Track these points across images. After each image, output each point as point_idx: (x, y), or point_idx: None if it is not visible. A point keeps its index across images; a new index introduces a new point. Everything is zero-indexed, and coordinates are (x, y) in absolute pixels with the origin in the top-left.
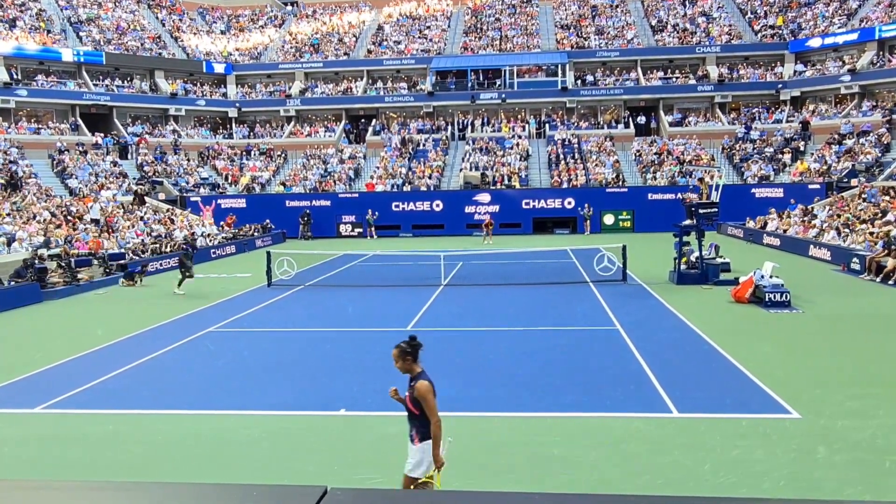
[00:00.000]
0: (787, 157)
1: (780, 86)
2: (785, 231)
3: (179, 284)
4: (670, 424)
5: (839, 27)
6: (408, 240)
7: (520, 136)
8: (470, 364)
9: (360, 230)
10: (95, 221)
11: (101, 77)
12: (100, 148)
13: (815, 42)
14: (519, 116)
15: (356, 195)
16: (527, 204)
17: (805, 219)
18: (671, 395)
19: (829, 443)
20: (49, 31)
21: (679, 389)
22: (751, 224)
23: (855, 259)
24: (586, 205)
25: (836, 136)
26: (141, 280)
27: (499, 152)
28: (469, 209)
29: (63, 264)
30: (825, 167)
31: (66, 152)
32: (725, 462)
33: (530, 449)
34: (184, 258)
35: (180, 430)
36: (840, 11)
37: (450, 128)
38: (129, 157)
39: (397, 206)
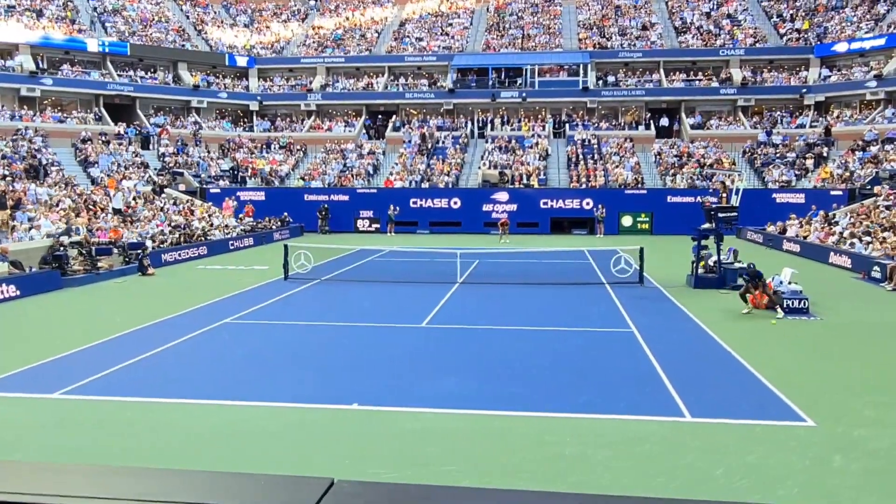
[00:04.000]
0: (809, 163)
1: (804, 90)
2: (805, 237)
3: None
4: (684, 428)
5: (866, 32)
6: (425, 236)
7: (539, 136)
8: (484, 362)
9: (378, 225)
10: (118, 211)
11: (125, 68)
12: (122, 138)
13: (841, 47)
14: (539, 116)
15: (374, 190)
16: (545, 204)
17: (826, 225)
18: (685, 399)
19: (845, 451)
20: (75, 22)
21: (693, 394)
22: (771, 229)
23: (876, 267)
24: (600, 206)
25: (861, 143)
26: (149, 267)
27: (518, 151)
28: (487, 207)
29: (84, 252)
30: (848, 173)
31: (89, 142)
32: (739, 467)
33: (542, 448)
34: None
35: (194, 420)
36: (868, 16)
37: (469, 125)
38: (151, 147)
39: (415, 203)
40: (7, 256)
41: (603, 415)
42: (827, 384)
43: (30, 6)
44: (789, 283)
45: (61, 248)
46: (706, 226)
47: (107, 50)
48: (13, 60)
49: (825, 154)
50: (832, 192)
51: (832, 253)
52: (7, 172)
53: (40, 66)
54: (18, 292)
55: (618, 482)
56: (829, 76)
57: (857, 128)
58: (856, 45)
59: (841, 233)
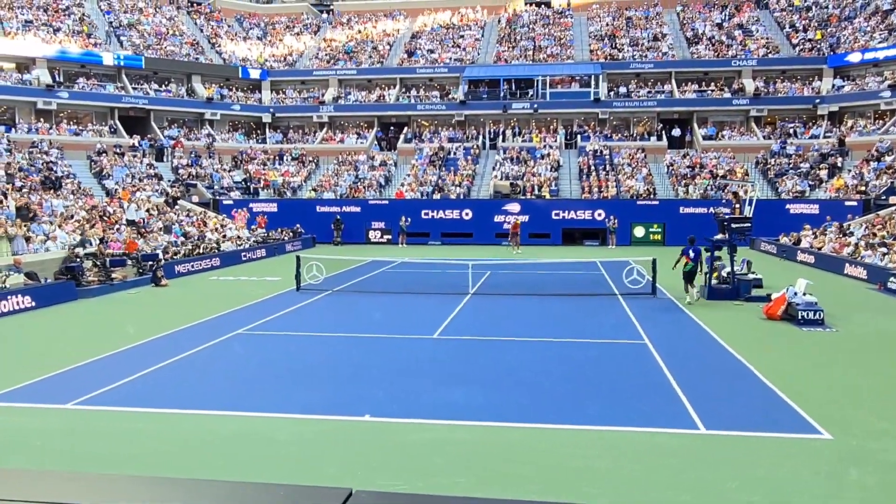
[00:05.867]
0: (823, 173)
1: (817, 100)
2: (819, 248)
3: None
4: (697, 440)
5: (880, 42)
6: (436, 247)
7: (551, 147)
8: (495, 374)
9: (390, 236)
10: (132, 222)
11: (139, 81)
12: (137, 150)
13: (854, 57)
14: (550, 127)
15: (386, 202)
16: (556, 214)
17: (840, 236)
18: (698, 411)
19: (861, 464)
20: (91, 36)
21: (707, 406)
22: (784, 240)
23: (892, 278)
24: (612, 217)
25: (875, 153)
26: (162, 277)
27: (529, 162)
28: (498, 218)
29: (98, 263)
30: (863, 184)
31: (104, 154)
32: (753, 480)
33: (554, 460)
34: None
35: (207, 430)
36: (881, 26)
37: (481, 137)
38: (165, 159)
39: (427, 214)
40: (21, 267)
41: (615, 427)
42: (842, 396)
43: (47, 21)
44: (804, 294)
45: (77, 260)
46: (719, 236)
47: (122, 63)
48: (30, 74)
49: (839, 164)
50: (847, 203)
51: (847, 264)
52: (23, 184)
53: (57, 79)
54: (34, 303)
55: (629, 495)
56: (843, 86)
57: (872, 138)
58: (869, 56)
59: (856, 244)
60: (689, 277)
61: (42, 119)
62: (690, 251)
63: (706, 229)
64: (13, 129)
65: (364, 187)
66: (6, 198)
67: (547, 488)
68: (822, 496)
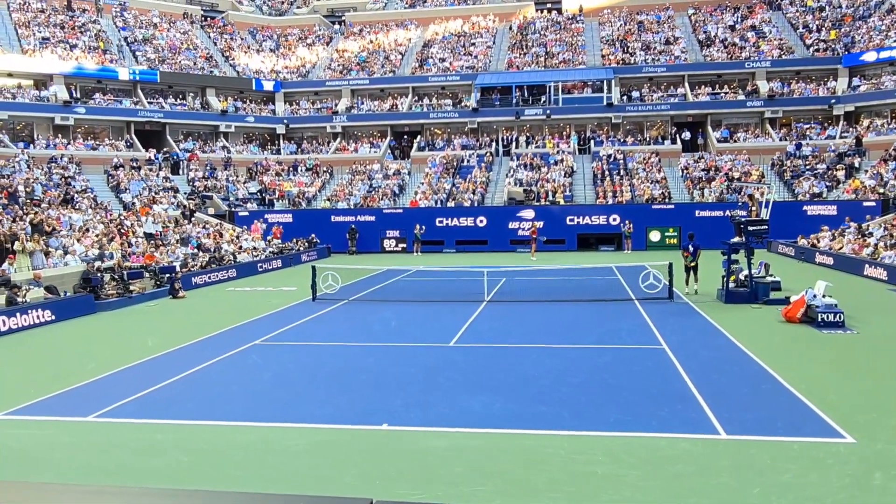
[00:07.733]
0: (840, 174)
1: (833, 101)
2: (838, 249)
3: None
4: (718, 446)
5: (895, 41)
6: (451, 255)
7: (564, 152)
8: (513, 380)
9: (404, 245)
10: (149, 235)
11: (155, 95)
12: (153, 164)
13: (869, 56)
14: (564, 132)
15: (400, 210)
16: (571, 220)
17: (859, 237)
18: (719, 416)
19: (885, 468)
20: (107, 51)
21: (727, 410)
22: (802, 242)
23: None
24: (627, 221)
25: (893, 152)
26: (180, 289)
27: (543, 168)
28: (513, 225)
29: (116, 277)
30: (881, 184)
31: (120, 168)
32: (776, 486)
33: (573, 467)
34: None
35: (226, 441)
36: None
37: (494, 144)
38: (181, 172)
39: (441, 222)
40: (41, 282)
41: (634, 433)
42: (865, 399)
43: (63, 38)
44: (823, 296)
45: (98, 274)
46: (736, 239)
47: (137, 78)
48: (48, 90)
49: (857, 165)
50: (865, 204)
51: (867, 265)
52: (42, 199)
53: (74, 95)
54: (54, 317)
55: (651, 502)
56: (859, 86)
57: (889, 137)
58: (885, 55)
59: (875, 244)
60: (688, 270)
61: (59, 134)
62: (690, 246)
63: (723, 232)
64: (31, 145)
65: (378, 196)
66: (25, 213)
67: (568, 496)
68: (845, 501)
